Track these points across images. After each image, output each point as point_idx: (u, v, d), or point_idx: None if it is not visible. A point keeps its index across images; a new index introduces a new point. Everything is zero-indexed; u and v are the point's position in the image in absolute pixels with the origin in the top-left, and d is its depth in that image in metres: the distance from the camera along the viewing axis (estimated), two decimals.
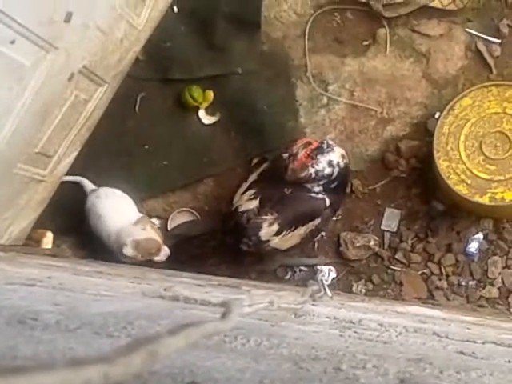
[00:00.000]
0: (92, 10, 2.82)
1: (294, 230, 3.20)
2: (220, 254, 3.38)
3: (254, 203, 3.20)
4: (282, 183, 3.17)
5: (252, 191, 3.25)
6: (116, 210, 3.36)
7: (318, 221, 3.23)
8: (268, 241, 3.19)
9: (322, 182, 3.16)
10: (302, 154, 3.10)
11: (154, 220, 3.53)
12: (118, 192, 3.40)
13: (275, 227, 3.16)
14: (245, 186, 3.32)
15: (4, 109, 2.62)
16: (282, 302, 1.73)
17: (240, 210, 3.22)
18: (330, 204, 3.21)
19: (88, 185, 3.44)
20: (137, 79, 3.54)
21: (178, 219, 3.58)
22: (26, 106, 2.70)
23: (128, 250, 3.20)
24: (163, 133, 3.56)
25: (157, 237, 3.27)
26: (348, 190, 3.46)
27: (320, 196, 3.18)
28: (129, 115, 3.57)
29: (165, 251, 3.27)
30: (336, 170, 3.16)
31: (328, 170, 3.14)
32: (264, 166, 3.36)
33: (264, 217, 3.17)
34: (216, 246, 3.37)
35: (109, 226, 3.31)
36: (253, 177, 3.33)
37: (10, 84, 2.57)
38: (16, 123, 2.70)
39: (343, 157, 3.20)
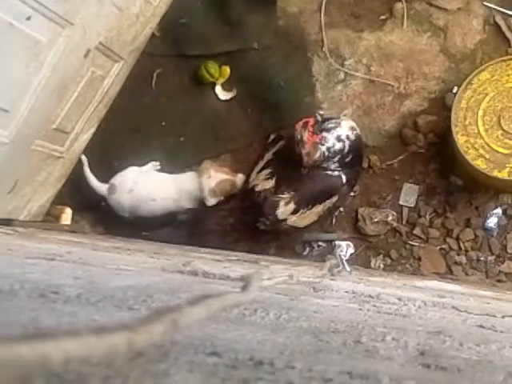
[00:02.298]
0: None
1: (311, 208, 3.19)
2: (238, 232, 3.38)
3: (271, 183, 3.20)
4: (297, 162, 3.15)
5: (268, 170, 3.24)
6: (159, 181, 3.43)
7: (335, 198, 3.22)
8: (285, 219, 3.18)
9: (336, 159, 3.14)
10: (306, 135, 3.06)
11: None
12: (138, 169, 3.43)
13: (292, 206, 3.16)
14: (261, 164, 3.31)
15: (21, 85, 2.63)
16: (301, 276, 1.74)
17: (257, 190, 3.22)
18: (347, 180, 3.20)
19: (99, 185, 3.43)
20: (153, 55, 3.54)
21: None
22: (43, 83, 2.71)
23: (211, 201, 3.35)
24: (180, 109, 3.57)
25: (224, 175, 3.37)
26: (365, 164, 3.45)
27: (336, 173, 3.17)
28: (145, 91, 3.57)
29: (241, 180, 3.40)
30: (347, 143, 3.13)
31: (339, 145, 3.11)
32: (279, 144, 3.34)
33: (281, 195, 3.16)
34: (234, 224, 3.37)
35: (165, 198, 3.41)
36: (268, 155, 3.32)
37: (27, 61, 2.58)
38: (33, 100, 2.71)
39: (352, 129, 3.18)
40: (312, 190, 3.18)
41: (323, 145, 3.09)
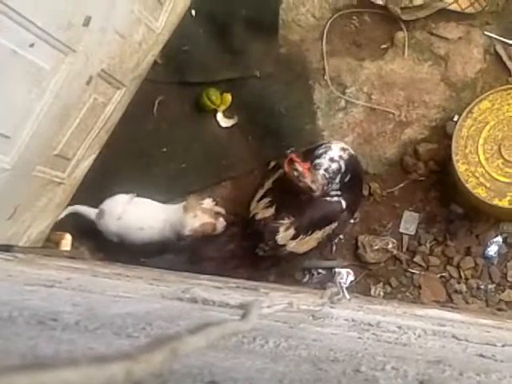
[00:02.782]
0: (110, 14, 2.84)
1: (311, 234, 3.19)
2: (238, 258, 3.37)
3: (271, 211, 3.20)
4: (297, 190, 3.15)
5: (268, 199, 3.25)
6: (147, 210, 3.44)
7: (334, 225, 3.22)
8: (285, 245, 3.19)
9: (337, 180, 3.16)
10: (299, 167, 3.06)
11: (207, 200, 3.52)
12: (126, 197, 3.44)
13: (292, 231, 3.16)
14: (261, 192, 3.31)
15: (23, 111, 2.64)
16: (301, 303, 1.73)
17: (257, 218, 3.23)
18: (347, 206, 3.21)
19: (87, 210, 3.45)
20: (155, 82, 3.56)
21: None
22: (45, 109, 2.72)
23: (188, 238, 3.34)
24: (181, 136, 3.57)
25: (209, 218, 3.36)
26: (365, 191, 3.47)
27: (335, 199, 3.18)
28: (147, 118, 3.58)
29: (221, 224, 3.40)
30: (342, 162, 3.17)
31: (335, 165, 3.16)
32: (279, 172, 3.34)
33: (281, 221, 3.16)
34: (234, 250, 3.37)
35: (152, 226, 3.41)
36: (268, 183, 3.32)
37: (29, 87, 2.59)
38: (35, 126, 2.72)
39: (344, 149, 3.23)
40: (312, 216, 3.19)
41: (319, 170, 3.11)
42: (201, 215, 3.34)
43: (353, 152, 3.27)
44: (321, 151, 3.18)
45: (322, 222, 3.21)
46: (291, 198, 3.18)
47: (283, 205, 3.20)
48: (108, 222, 3.39)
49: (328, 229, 3.22)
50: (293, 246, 3.20)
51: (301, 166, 3.02)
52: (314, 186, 3.08)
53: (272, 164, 3.50)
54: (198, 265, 3.31)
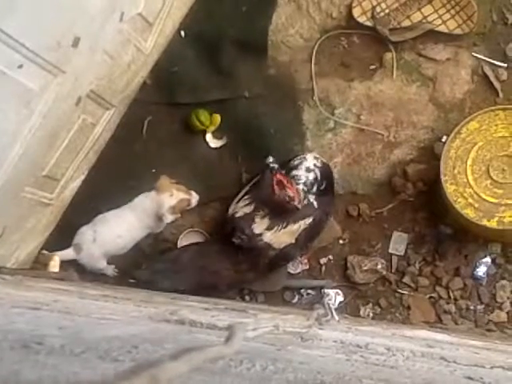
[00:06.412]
0: (99, 35, 2.84)
1: (286, 226, 3.24)
2: (219, 262, 3.40)
3: (249, 208, 3.27)
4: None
5: (247, 196, 3.34)
6: (115, 217, 3.47)
7: (309, 220, 3.24)
8: (261, 234, 3.23)
9: (314, 190, 3.27)
10: (290, 191, 3.11)
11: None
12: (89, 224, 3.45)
13: (266, 221, 3.23)
14: (239, 196, 3.38)
15: (12, 132, 2.63)
16: (288, 325, 1.72)
17: (236, 216, 3.30)
18: (319, 205, 3.30)
19: (64, 254, 3.41)
20: (144, 103, 3.56)
21: (187, 239, 3.59)
22: (34, 130, 2.71)
23: (169, 218, 3.38)
24: (170, 156, 3.57)
25: (185, 195, 3.41)
26: (354, 212, 3.51)
27: (306, 202, 3.24)
28: (136, 139, 3.58)
29: (194, 198, 3.45)
30: (317, 170, 3.28)
31: (311, 176, 3.27)
32: (255, 179, 3.39)
33: (256, 212, 3.25)
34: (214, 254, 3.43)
35: (129, 229, 3.45)
36: (245, 189, 3.39)
37: (18, 108, 2.58)
38: (24, 147, 2.71)
39: (316, 158, 3.33)
40: (286, 214, 3.22)
41: (298, 183, 3.22)
42: (176, 192, 3.38)
43: (324, 160, 3.37)
44: (296, 162, 3.29)
45: (296, 216, 3.24)
46: (266, 196, 3.21)
47: (259, 201, 3.27)
48: (89, 250, 3.38)
49: (303, 223, 3.25)
50: (269, 237, 3.24)
51: (292, 191, 3.08)
52: (299, 206, 3.15)
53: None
54: (181, 273, 3.36)
